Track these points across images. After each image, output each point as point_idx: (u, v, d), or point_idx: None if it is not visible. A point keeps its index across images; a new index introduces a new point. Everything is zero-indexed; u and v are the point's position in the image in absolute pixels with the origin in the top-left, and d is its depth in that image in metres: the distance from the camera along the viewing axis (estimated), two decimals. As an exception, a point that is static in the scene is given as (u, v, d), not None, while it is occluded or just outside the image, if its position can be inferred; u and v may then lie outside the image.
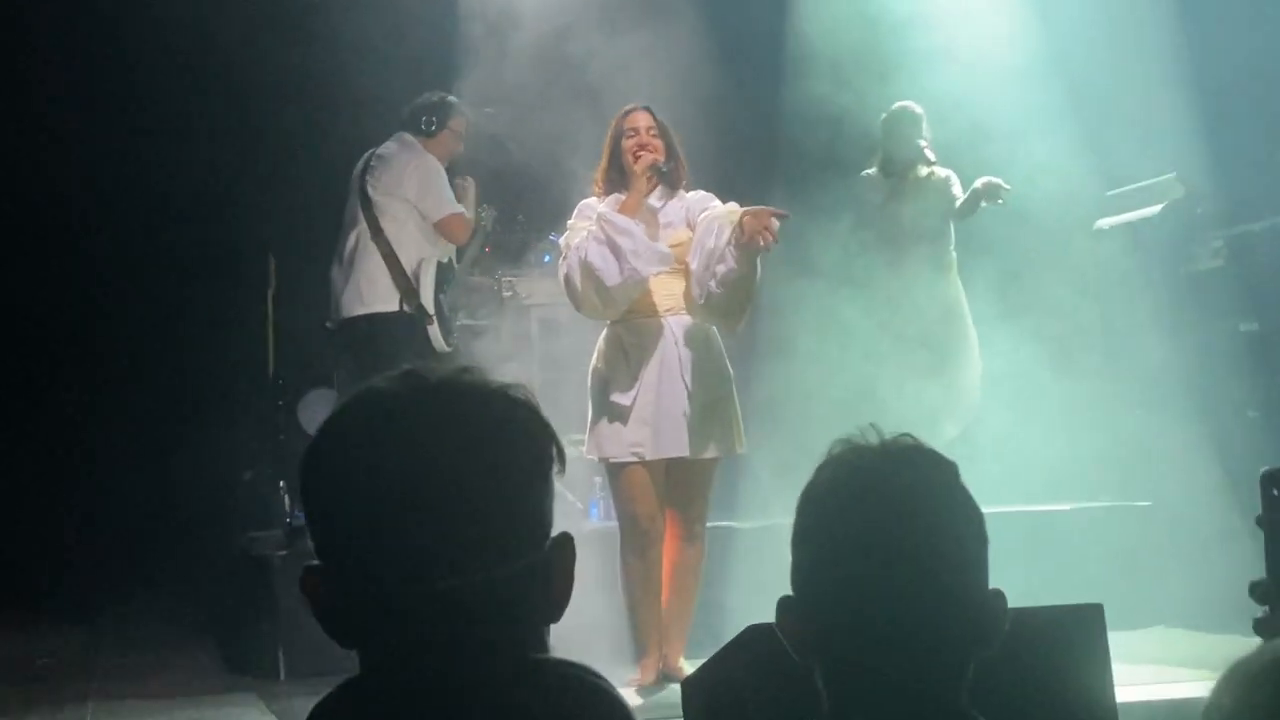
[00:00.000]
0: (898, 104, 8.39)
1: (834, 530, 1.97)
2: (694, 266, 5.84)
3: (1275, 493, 3.34)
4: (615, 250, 5.71)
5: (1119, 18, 9.03)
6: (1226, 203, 8.55)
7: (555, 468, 1.76)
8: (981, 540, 1.98)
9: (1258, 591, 3.35)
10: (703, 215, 5.90)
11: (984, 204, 8.07)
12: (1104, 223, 8.92)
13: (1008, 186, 8.02)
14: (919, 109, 8.32)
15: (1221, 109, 8.91)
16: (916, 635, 1.92)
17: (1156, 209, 8.56)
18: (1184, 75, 8.95)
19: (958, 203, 8.24)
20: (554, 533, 1.75)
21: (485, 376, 1.76)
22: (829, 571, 1.96)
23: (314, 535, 1.74)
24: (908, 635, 1.91)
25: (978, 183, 8.08)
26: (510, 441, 1.72)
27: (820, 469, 2.01)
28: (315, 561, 1.72)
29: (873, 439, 2.01)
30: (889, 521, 1.93)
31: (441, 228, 7.62)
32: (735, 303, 5.85)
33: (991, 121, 8.34)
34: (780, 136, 9.13)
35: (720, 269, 5.73)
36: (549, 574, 1.73)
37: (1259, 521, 3.37)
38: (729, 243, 5.71)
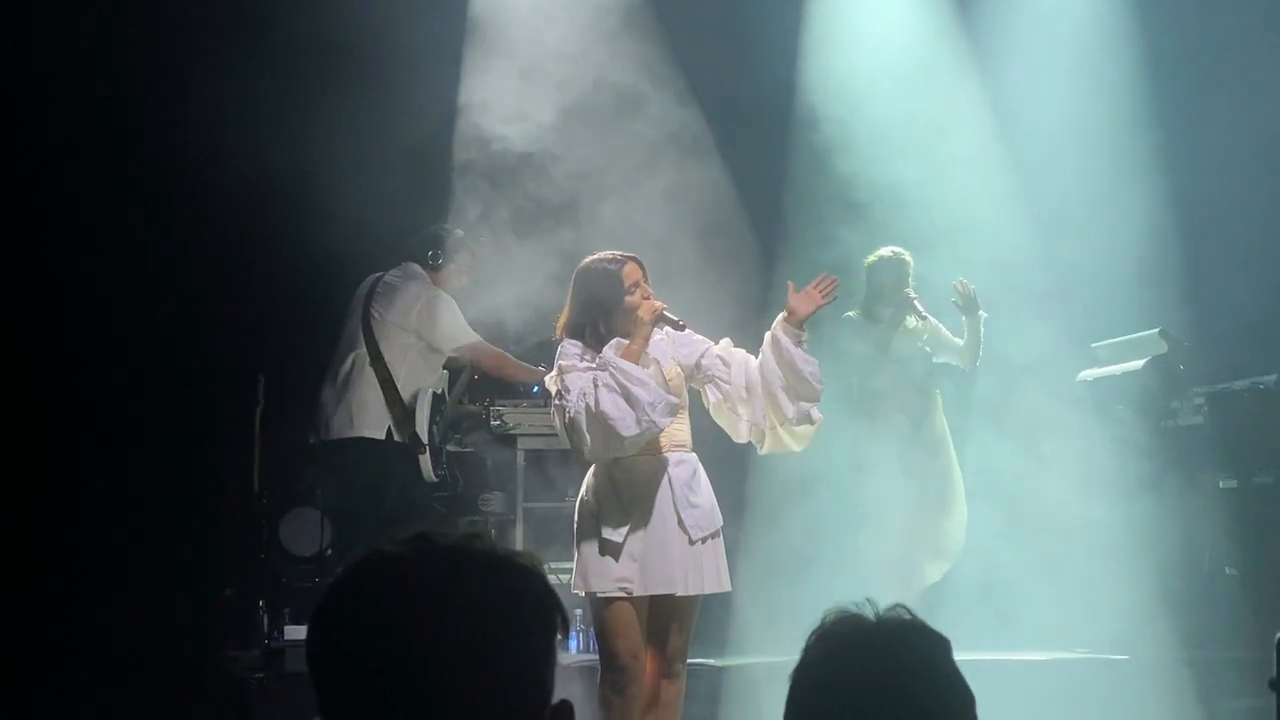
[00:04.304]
0: (887, 249, 8.15)
1: (827, 707, 2.00)
2: (753, 411, 5.92)
3: None
4: (630, 400, 5.62)
5: (1110, 169, 9.19)
6: (1209, 360, 8.64)
7: (558, 636, 1.81)
8: None
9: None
10: (707, 366, 5.98)
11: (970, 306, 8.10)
12: (1087, 374, 8.97)
13: (967, 283, 8.07)
14: (908, 255, 8.14)
15: (1207, 263, 9.04)
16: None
17: (1140, 363, 8.61)
18: (1170, 225, 9.09)
19: (962, 344, 8.19)
20: (554, 699, 1.80)
21: (494, 544, 1.82)
22: None
23: (320, 698, 1.77)
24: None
25: (957, 297, 8.11)
26: (517, 611, 1.77)
27: (815, 644, 2.05)
28: None
29: (867, 612, 2.04)
30: (880, 703, 1.97)
31: (465, 355, 7.66)
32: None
33: (976, 265, 8.41)
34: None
35: (782, 385, 5.83)
36: None
37: (1271, 685, 3.38)
38: (777, 341, 5.83)
